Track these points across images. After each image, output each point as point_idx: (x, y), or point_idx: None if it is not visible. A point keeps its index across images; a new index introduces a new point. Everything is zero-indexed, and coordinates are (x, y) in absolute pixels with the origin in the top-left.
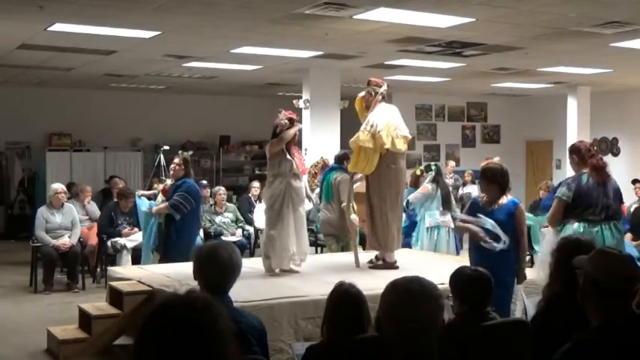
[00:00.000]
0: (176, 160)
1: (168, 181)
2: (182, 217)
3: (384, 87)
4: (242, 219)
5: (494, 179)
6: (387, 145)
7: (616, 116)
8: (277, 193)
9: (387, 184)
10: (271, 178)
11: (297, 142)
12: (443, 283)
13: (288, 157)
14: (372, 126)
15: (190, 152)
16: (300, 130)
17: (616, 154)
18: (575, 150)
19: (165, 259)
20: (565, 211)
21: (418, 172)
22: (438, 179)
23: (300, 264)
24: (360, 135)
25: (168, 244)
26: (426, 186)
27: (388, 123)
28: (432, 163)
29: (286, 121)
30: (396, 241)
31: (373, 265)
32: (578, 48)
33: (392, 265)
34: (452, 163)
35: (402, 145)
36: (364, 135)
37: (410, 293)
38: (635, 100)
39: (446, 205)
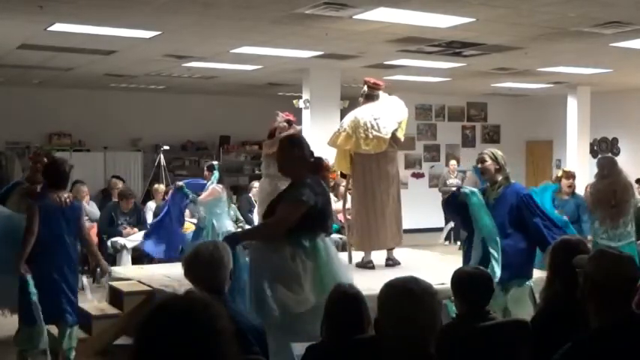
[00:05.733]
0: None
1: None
2: None
3: (365, 87)
4: (242, 219)
5: None
6: (348, 147)
7: (616, 116)
8: (264, 194)
9: (356, 185)
10: (263, 177)
11: None
12: (443, 283)
13: None
14: (341, 126)
15: (51, 148)
16: (299, 132)
17: (616, 154)
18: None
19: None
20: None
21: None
22: None
23: None
24: (331, 136)
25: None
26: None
27: (357, 123)
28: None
29: (285, 123)
30: (365, 243)
31: (358, 264)
32: (578, 48)
33: (365, 265)
34: (453, 162)
35: (370, 146)
36: (334, 136)
37: (406, 293)
38: (635, 100)
39: None
